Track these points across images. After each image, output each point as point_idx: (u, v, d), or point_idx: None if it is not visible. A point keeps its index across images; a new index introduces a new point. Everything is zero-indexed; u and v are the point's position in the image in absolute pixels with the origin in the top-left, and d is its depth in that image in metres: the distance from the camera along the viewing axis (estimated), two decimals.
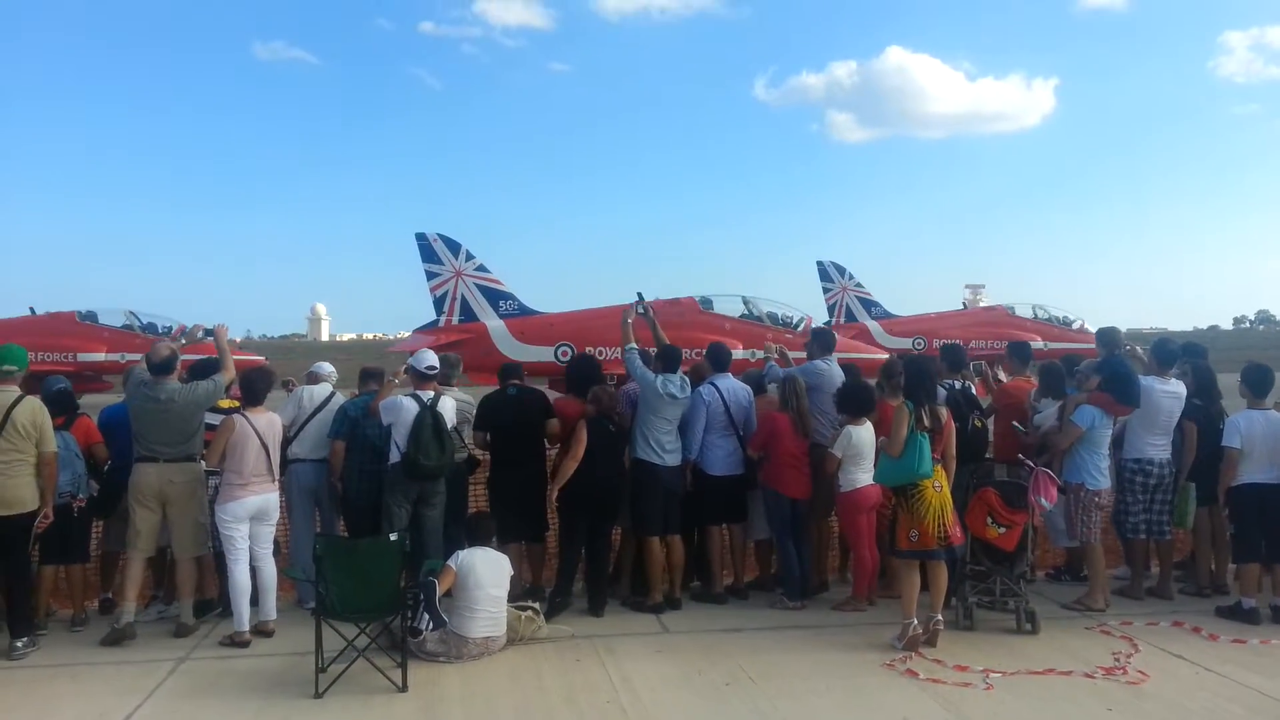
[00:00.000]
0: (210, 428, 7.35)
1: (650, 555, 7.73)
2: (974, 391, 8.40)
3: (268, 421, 7.26)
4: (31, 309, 31.23)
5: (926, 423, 6.82)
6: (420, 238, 26.30)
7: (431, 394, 7.52)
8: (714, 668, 6.39)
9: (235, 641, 6.91)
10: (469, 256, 26.11)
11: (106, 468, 7.71)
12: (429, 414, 7.31)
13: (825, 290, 37.01)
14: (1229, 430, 7.77)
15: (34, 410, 6.73)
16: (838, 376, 8.46)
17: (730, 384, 8.33)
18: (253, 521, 7.14)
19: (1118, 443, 8.22)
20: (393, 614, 6.24)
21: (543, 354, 24.48)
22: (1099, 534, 7.76)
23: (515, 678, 6.27)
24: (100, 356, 27.79)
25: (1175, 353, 8.49)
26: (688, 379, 7.97)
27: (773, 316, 26.99)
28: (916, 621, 6.73)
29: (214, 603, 7.64)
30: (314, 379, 8.45)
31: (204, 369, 7.71)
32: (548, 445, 8.17)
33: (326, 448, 7.91)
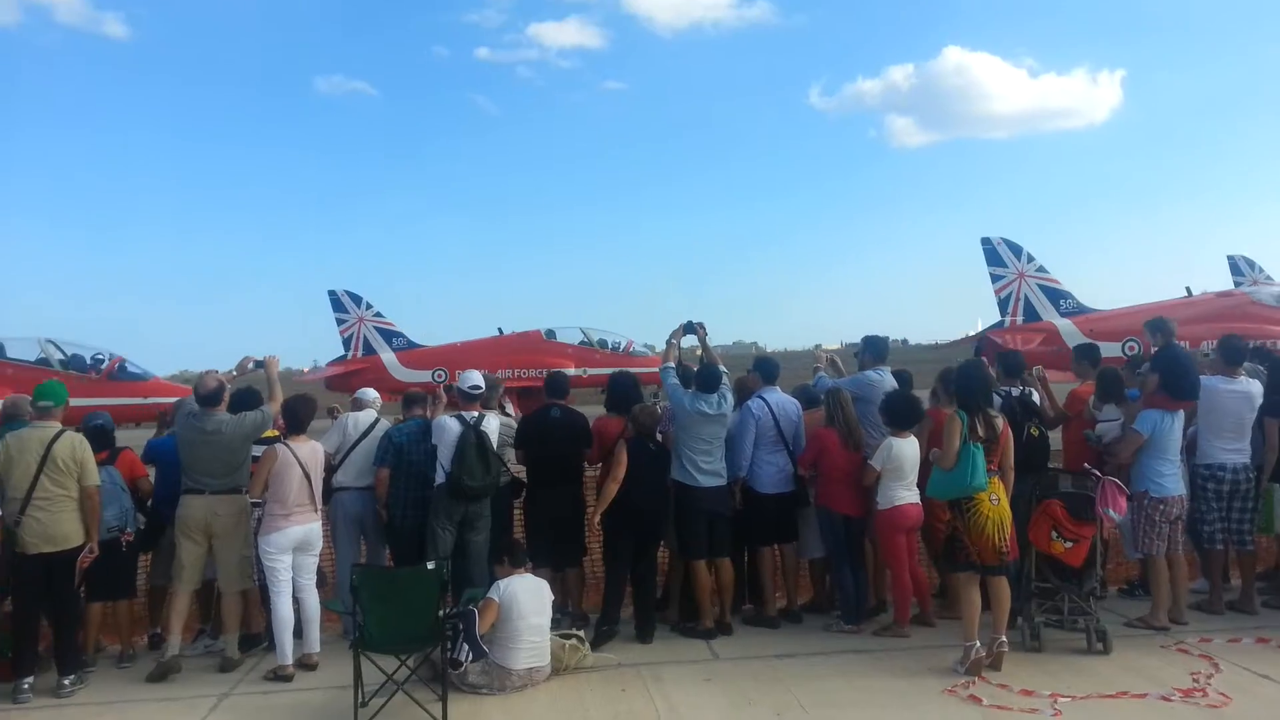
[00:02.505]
0: (254, 459, 7.33)
1: (697, 579, 7.49)
2: (1033, 398, 8.04)
3: (310, 450, 7.20)
4: (500, 330, 33.22)
5: (980, 432, 6.50)
6: (985, 242, 27.37)
7: (476, 414, 7.43)
8: (765, 696, 6.13)
9: (279, 675, 6.83)
10: (1030, 259, 27.12)
11: (150, 501, 7.71)
12: (473, 433, 7.25)
13: (1236, 283, 32.82)
14: None
15: (74, 445, 6.74)
16: (891, 387, 8.16)
17: (779, 398, 8.09)
18: (296, 552, 7.07)
19: (1191, 448, 7.80)
20: (432, 645, 6.09)
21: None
22: (1164, 546, 7.32)
23: (559, 709, 6.08)
24: (571, 371, 27.11)
25: (1242, 350, 8.03)
26: (728, 396, 7.72)
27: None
28: (980, 644, 6.38)
29: (260, 636, 7.59)
30: (359, 405, 8.40)
31: (247, 400, 7.70)
32: (588, 467, 8.02)
33: (372, 475, 7.83)
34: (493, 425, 7.57)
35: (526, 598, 6.49)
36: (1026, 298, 26.49)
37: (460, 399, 7.58)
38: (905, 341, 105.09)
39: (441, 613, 6.09)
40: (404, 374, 30.60)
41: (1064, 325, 25.33)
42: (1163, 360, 7.53)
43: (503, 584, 6.50)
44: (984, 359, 7.57)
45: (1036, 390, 8.13)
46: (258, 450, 7.37)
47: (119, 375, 22.42)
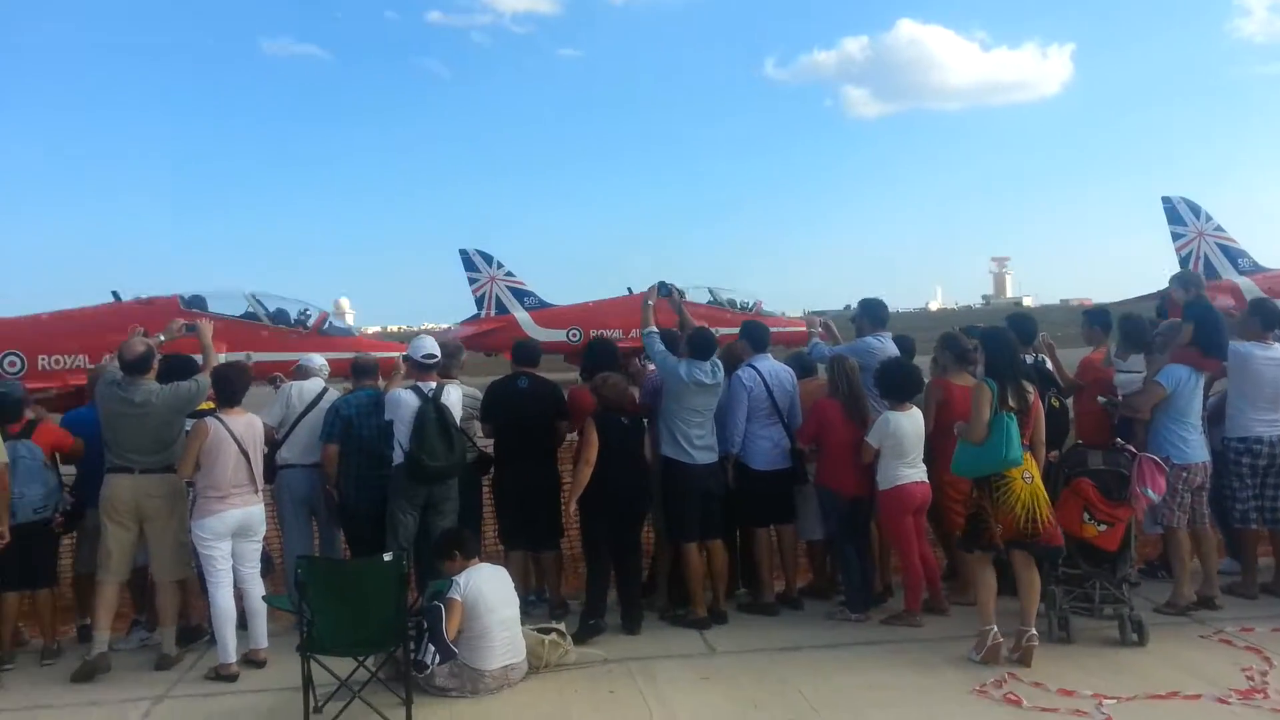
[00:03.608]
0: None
1: (689, 564, 6.76)
2: (1049, 366, 7.41)
3: (246, 424, 6.37)
4: (630, 290, 31.77)
5: (1012, 402, 5.82)
6: (1165, 200, 27.55)
7: (434, 385, 6.66)
8: (772, 699, 5.43)
9: (221, 675, 6.07)
10: (1209, 218, 27.51)
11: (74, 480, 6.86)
12: (432, 407, 6.49)
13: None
14: None
15: None
16: (893, 354, 7.47)
17: (772, 366, 7.37)
18: (235, 538, 6.26)
19: (1215, 418, 7.19)
20: (393, 646, 5.33)
21: None
22: (1186, 517, 6.74)
23: (540, 714, 5.39)
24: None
25: (1278, 312, 7.42)
26: (720, 364, 7.00)
27: None
28: (996, 629, 5.76)
29: (201, 629, 6.79)
30: (303, 374, 7.56)
31: (180, 367, 6.83)
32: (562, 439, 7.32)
33: (319, 451, 7.03)
34: (454, 397, 6.80)
35: (491, 590, 5.72)
36: (1206, 256, 26.77)
37: (414, 369, 6.78)
38: None
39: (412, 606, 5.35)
40: (539, 332, 29.74)
41: (1244, 283, 25.42)
42: (1198, 311, 6.92)
43: (462, 579, 5.69)
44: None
45: (1047, 358, 7.50)
46: (189, 424, 6.54)
47: (327, 330, 21.01)
